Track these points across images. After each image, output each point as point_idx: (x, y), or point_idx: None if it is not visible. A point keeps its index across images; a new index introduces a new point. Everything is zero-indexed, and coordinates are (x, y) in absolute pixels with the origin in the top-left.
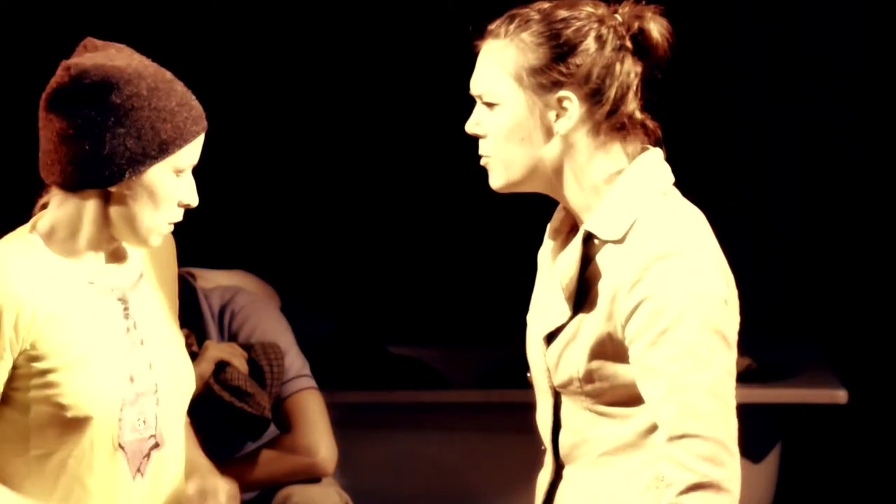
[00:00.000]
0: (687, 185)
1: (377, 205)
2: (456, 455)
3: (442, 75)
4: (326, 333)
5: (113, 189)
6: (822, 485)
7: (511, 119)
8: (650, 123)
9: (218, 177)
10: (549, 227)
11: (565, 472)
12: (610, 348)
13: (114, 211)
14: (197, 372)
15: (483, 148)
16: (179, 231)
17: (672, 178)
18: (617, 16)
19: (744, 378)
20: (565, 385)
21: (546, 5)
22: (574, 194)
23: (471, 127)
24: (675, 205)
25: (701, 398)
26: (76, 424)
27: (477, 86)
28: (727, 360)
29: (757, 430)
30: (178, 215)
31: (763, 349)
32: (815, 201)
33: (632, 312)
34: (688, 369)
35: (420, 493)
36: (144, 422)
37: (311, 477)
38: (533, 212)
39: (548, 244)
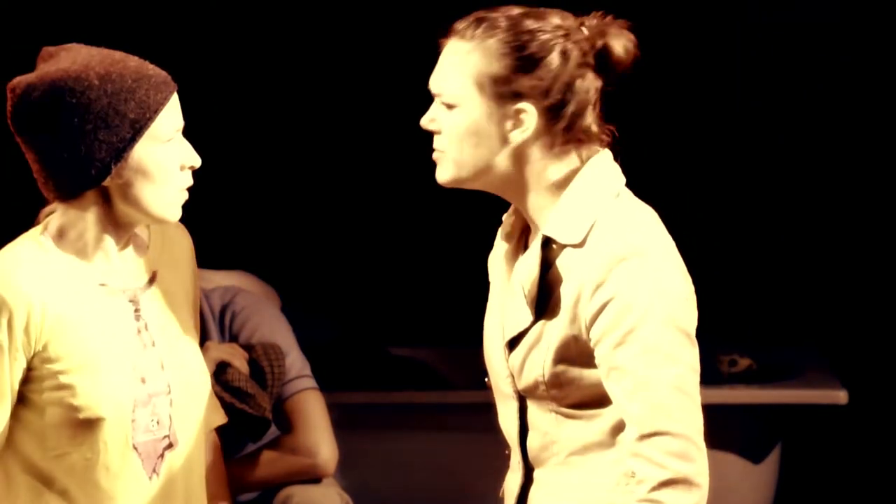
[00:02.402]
0: (688, 185)
1: (377, 205)
2: (456, 456)
3: None
4: (328, 335)
5: (107, 183)
6: (823, 485)
7: (467, 123)
8: (605, 132)
9: (218, 177)
10: (500, 231)
11: (536, 475)
12: (574, 351)
13: (118, 203)
14: None
15: (437, 143)
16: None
17: (623, 179)
18: (583, 29)
19: (744, 379)
20: (531, 389)
21: (515, 12)
22: (526, 198)
23: (426, 122)
24: (630, 205)
25: (668, 395)
26: (89, 426)
27: (437, 85)
28: (691, 356)
29: (757, 431)
30: (187, 180)
31: (763, 350)
32: (815, 202)
33: (597, 314)
34: (654, 367)
35: (420, 493)
36: (158, 422)
37: (312, 477)
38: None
39: (500, 248)
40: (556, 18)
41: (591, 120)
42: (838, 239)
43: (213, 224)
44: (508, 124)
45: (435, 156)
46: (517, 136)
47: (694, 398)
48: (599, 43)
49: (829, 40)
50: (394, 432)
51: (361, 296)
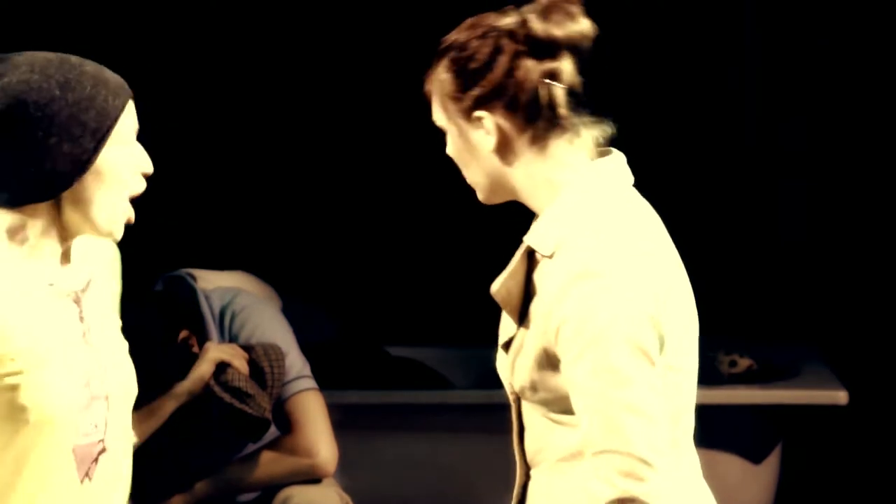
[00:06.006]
0: (689, 186)
1: (378, 206)
2: (457, 456)
3: None
4: (328, 336)
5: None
6: (823, 486)
7: (454, 145)
8: (597, 123)
9: (219, 178)
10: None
11: (532, 475)
12: (549, 361)
13: (67, 210)
14: (197, 373)
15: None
16: (181, 232)
17: (628, 182)
18: (509, 21)
19: (744, 379)
20: (522, 393)
21: (460, 27)
22: (535, 203)
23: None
24: (613, 215)
25: (621, 415)
26: (35, 427)
27: (434, 117)
28: (648, 375)
29: (757, 432)
30: (140, 185)
31: (763, 350)
32: (816, 202)
33: (558, 329)
34: (608, 386)
35: (421, 493)
36: (95, 426)
37: (312, 478)
38: (533, 214)
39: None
40: (489, 19)
41: (563, 108)
42: (838, 239)
43: (213, 225)
44: (479, 135)
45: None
46: (488, 143)
47: (650, 418)
48: (522, 31)
49: (829, 38)
50: (394, 433)
51: (361, 296)
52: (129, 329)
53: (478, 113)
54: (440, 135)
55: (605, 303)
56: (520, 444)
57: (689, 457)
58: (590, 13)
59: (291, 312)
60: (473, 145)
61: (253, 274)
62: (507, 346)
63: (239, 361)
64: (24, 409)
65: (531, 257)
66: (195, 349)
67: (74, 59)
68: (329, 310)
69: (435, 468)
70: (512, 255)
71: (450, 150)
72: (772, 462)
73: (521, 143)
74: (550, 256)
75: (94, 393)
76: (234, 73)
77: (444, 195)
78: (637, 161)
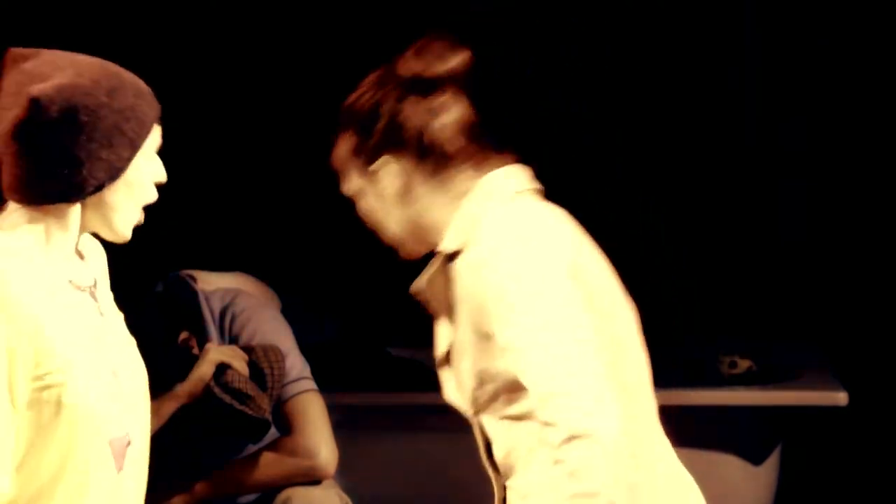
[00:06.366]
0: (689, 186)
1: None
2: (457, 457)
3: None
4: (328, 337)
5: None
6: (823, 487)
7: (367, 203)
8: (494, 148)
9: (219, 179)
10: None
11: (508, 485)
12: (483, 347)
13: (88, 211)
14: (197, 374)
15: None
16: (180, 234)
17: (521, 187)
18: (386, 69)
19: (744, 380)
20: (474, 402)
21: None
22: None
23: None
24: (511, 208)
25: (541, 360)
26: (75, 422)
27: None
28: (552, 315)
29: (757, 433)
30: (153, 195)
31: (763, 351)
32: (816, 204)
33: (462, 316)
34: (526, 335)
35: (421, 495)
36: (122, 419)
37: (312, 479)
38: None
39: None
40: (372, 76)
41: (456, 140)
42: (839, 240)
43: (213, 226)
44: (383, 183)
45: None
46: (393, 188)
47: (579, 354)
48: (406, 70)
49: (829, 39)
50: (394, 434)
51: (362, 296)
52: (130, 330)
53: (378, 161)
54: None
55: (491, 281)
56: (489, 459)
57: (648, 430)
58: (590, 13)
59: (291, 314)
60: (381, 194)
61: (253, 275)
62: (446, 359)
63: (239, 363)
64: (64, 405)
65: (448, 262)
66: (195, 351)
67: (112, 65)
68: (329, 310)
69: (435, 469)
70: None
71: (363, 210)
72: (772, 463)
73: (423, 181)
74: (461, 250)
75: (121, 386)
76: (234, 73)
77: None
78: (637, 161)
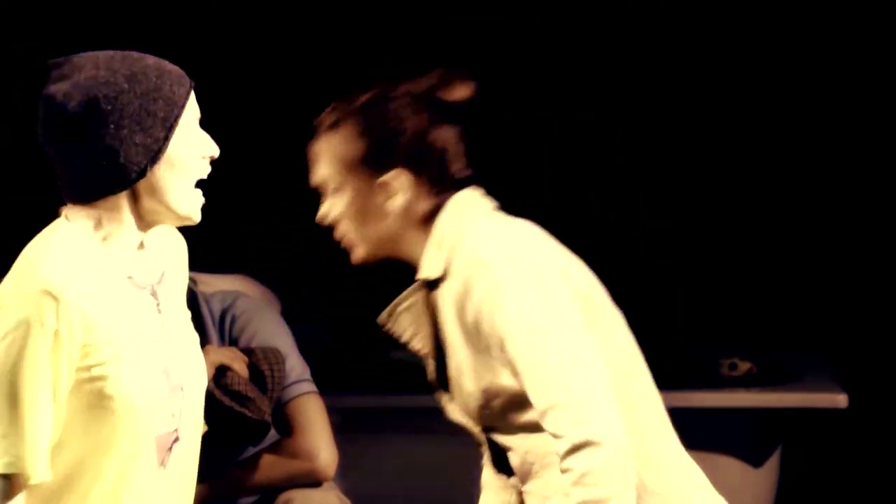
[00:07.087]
0: (689, 187)
1: None
2: (457, 460)
3: None
4: (328, 339)
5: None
6: (823, 489)
7: (353, 203)
8: (470, 177)
9: (219, 180)
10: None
11: (525, 489)
12: (483, 363)
13: (145, 200)
14: None
15: (338, 231)
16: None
17: (489, 206)
18: (417, 88)
19: (744, 382)
20: (482, 417)
21: (367, 93)
22: (419, 253)
23: (321, 219)
24: (487, 226)
25: (550, 370)
26: (118, 415)
27: (316, 177)
28: (568, 330)
29: (757, 435)
30: (206, 169)
31: (763, 354)
32: (816, 204)
33: (477, 321)
34: (535, 349)
35: (421, 497)
36: (173, 416)
37: (312, 481)
38: (533, 215)
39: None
40: (401, 87)
41: (457, 164)
42: (839, 242)
43: (213, 227)
44: (384, 195)
45: (343, 244)
46: (396, 203)
47: (577, 361)
48: (435, 96)
49: (828, 38)
50: (394, 436)
51: (361, 298)
52: None
53: (390, 174)
54: None
55: (501, 289)
56: (505, 468)
57: (652, 422)
58: (590, 14)
59: (291, 316)
60: (377, 205)
61: (252, 277)
62: (445, 386)
63: (239, 365)
64: (108, 398)
65: (428, 290)
66: None
67: (134, 53)
68: (329, 313)
69: (435, 471)
70: None
71: (338, 210)
72: (771, 465)
73: (426, 200)
74: (444, 277)
75: (172, 383)
76: (234, 74)
77: None
78: (637, 162)
